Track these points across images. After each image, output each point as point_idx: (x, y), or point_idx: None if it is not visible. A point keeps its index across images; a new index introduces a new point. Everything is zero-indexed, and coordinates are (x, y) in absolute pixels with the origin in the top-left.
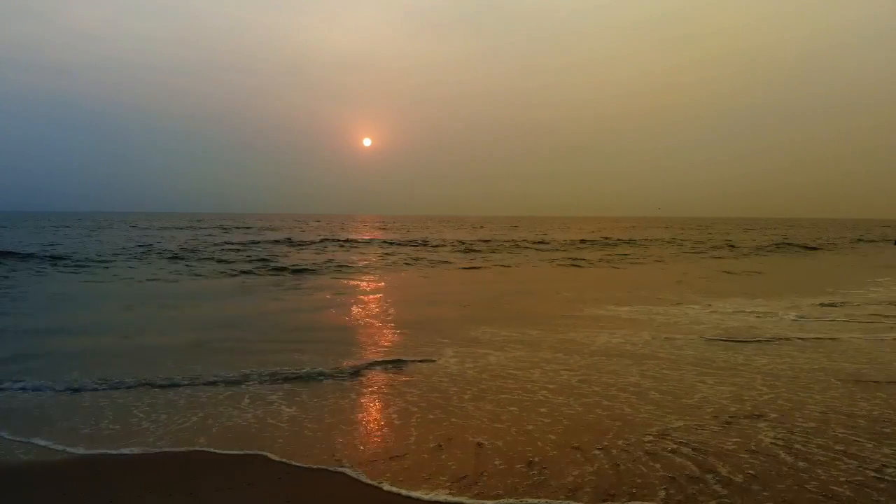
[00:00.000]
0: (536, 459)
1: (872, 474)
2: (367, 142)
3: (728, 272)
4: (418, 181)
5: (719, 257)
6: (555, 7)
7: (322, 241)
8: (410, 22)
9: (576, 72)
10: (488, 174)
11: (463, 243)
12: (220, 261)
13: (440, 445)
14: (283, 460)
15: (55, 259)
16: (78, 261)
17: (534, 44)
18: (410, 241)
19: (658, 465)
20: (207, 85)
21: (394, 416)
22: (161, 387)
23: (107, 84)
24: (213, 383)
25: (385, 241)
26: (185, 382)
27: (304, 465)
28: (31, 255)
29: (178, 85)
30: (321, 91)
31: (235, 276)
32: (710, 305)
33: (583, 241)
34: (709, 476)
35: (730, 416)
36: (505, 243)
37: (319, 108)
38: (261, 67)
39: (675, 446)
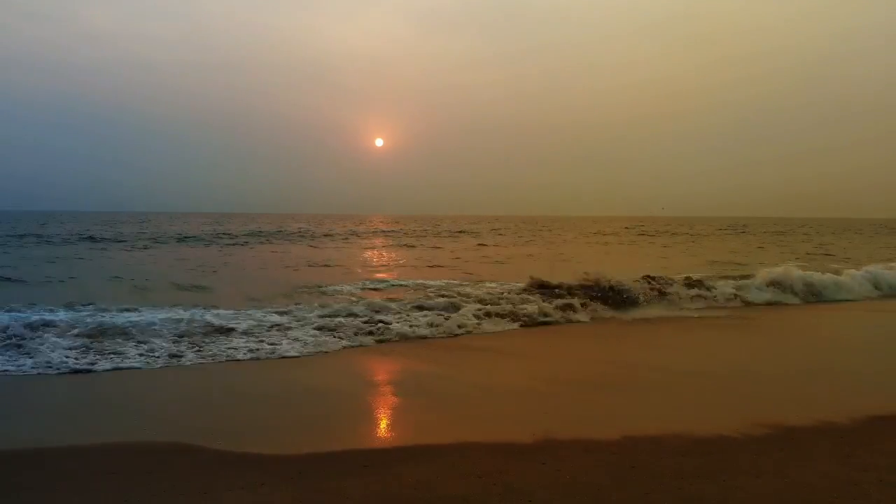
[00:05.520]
0: None
1: None
2: (379, 142)
3: None
4: (429, 181)
5: None
6: (569, 8)
7: None
8: (423, 22)
9: (589, 72)
10: (500, 174)
11: None
12: None
13: None
14: None
15: None
16: None
17: (547, 45)
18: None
19: None
20: (218, 86)
21: None
22: None
23: (116, 85)
24: None
25: None
26: None
27: None
28: None
29: (188, 86)
30: (333, 91)
31: None
32: None
33: None
34: None
35: None
36: None
37: (331, 109)
38: (272, 69)
39: None
